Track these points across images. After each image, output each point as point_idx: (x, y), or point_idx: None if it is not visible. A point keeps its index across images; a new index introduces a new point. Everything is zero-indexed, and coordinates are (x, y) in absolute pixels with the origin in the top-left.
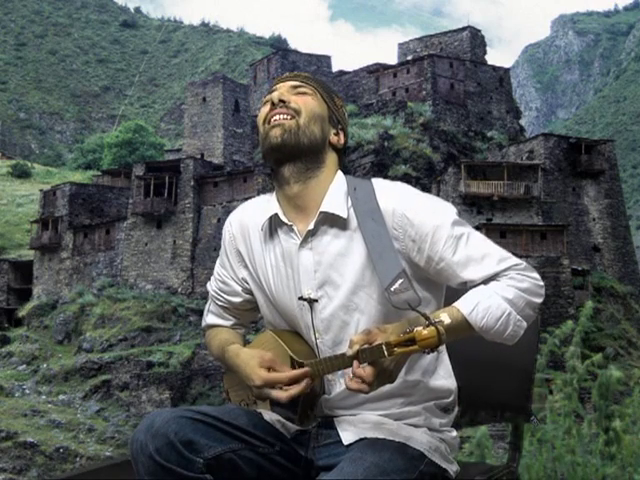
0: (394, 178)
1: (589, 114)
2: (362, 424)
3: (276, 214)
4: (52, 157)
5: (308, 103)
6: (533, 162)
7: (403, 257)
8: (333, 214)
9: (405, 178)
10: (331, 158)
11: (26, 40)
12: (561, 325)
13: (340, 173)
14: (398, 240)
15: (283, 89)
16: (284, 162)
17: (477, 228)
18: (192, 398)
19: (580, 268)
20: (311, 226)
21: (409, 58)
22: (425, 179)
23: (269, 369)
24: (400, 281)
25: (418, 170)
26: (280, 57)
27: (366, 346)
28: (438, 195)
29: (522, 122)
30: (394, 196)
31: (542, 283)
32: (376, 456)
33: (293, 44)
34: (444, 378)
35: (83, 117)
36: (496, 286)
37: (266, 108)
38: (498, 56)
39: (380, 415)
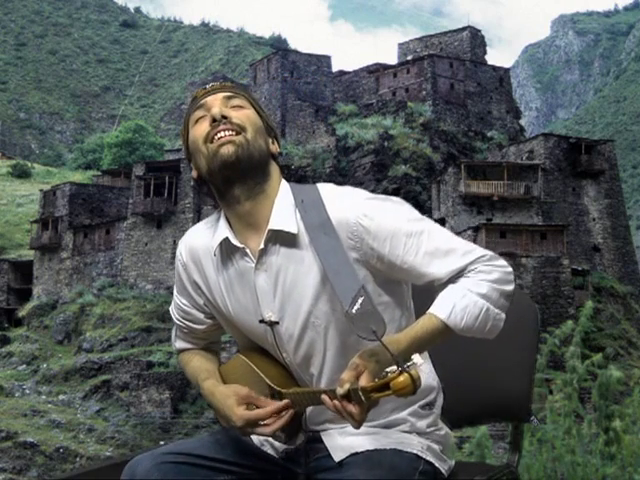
0: (394, 178)
1: (589, 114)
2: (350, 437)
3: (226, 238)
4: (52, 157)
5: (250, 117)
6: (533, 162)
7: (363, 265)
8: (281, 231)
9: (405, 178)
10: (274, 169)
11: (26, 40)
12: (561, 325)
13: (284, 183)
14: (355, 249)
15: (217, 102)
16: (234, 180)
17: (477, 228)
18: (192, 398)
19: (580, 268)
20: (262, 245)
21: (409, 58)
22: (425, 179)
23: (247, 404)
24: (360, 300)
25: (418, 170)
26: (280, 57)
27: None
28: (438, 195)
29: (522, 122)
30: (345, 204)
31: (510, 269)
32: (375, 471)
33: (293, 44)
34: (426, 374)
35: (83, 117)
36: (467, 283)
37: (204, 125)
38: (498, 56)
39: (367, 427)
